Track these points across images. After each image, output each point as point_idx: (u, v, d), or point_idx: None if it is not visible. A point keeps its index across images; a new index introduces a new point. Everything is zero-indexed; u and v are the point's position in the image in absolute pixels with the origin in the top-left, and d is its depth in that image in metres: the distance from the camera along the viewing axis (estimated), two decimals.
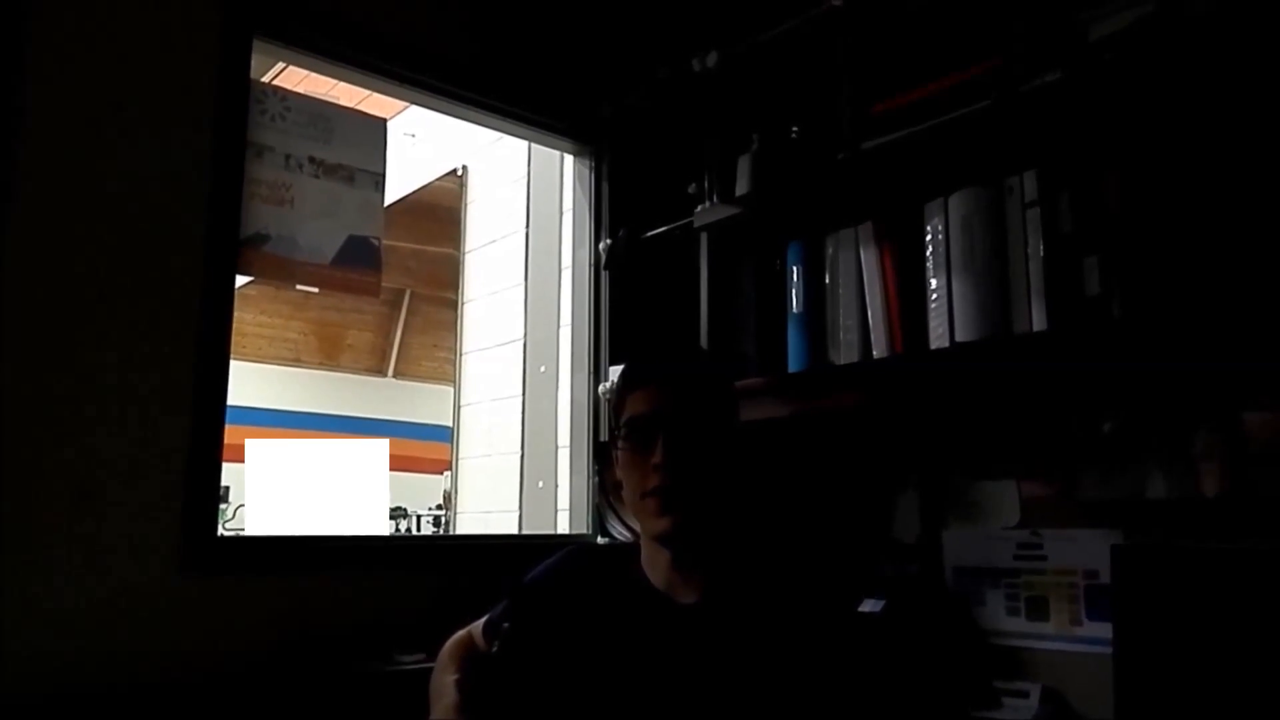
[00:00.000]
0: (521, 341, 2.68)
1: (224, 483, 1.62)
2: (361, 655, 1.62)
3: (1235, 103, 1.27)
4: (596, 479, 2.15)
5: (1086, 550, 1.47)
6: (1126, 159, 1.33)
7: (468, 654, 1.32)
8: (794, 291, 1.71)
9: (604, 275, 2.19)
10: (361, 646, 1.64)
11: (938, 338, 1.49)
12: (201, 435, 1.55)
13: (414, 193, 3.75)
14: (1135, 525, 1.42)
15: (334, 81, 2.09)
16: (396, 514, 7.10)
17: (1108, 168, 1.34)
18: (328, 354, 9.15)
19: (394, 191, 3.06)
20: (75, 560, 1.43)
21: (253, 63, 1.70)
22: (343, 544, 1.93)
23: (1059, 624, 1.50)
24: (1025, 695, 1.47)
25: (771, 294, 1.76)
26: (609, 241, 2.17)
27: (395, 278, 7.55)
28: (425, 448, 8.16)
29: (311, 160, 1.82)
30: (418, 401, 8.95)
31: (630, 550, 1.25)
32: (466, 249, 3.16)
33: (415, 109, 3.01)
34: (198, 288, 1.58)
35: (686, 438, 1.13)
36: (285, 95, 1.80)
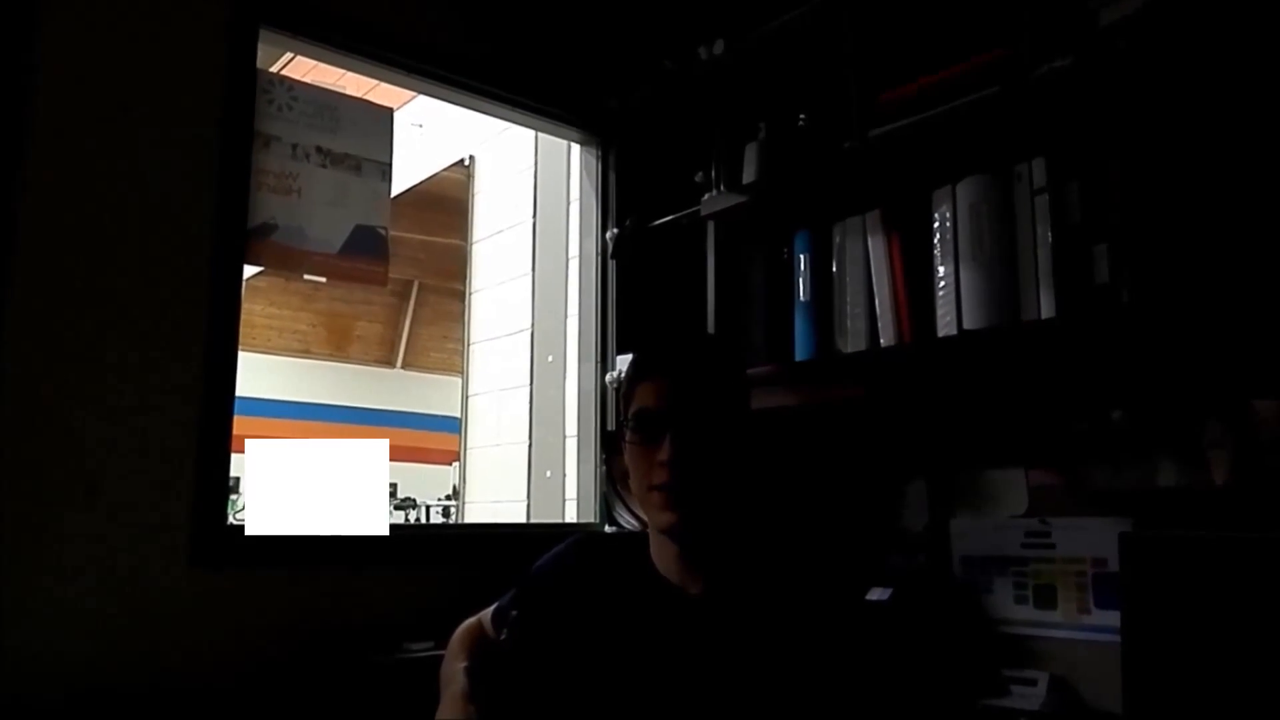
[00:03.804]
0: (529, 331, 2.68)
1: (234, 473, 1.63)
2: (371, 644, 1.63)
3: (1247, 89, 1.26)
4: (604, 468, 2.16)
5: (1095, 538, 1.47)
6: (1136, 146, 1.33)
7: (477, 642, 1.32)
8: (801, 280, 1.71)
9: (611, 264, 2.19)
10: (371, 635, 1.65)
11: (945, 326, 1.49)
12: (210, 426, 1.56)
13: (421, 183, 3.74)
14: (1144, 514, 1.41)
15: (342, 71, 2.09)
16: (406, 504, 7.13)
17: (1117, 155, 1.33)
18: (337, 345, 9.19)
19: (401, 182, 3.05)
20: (83, 554, 1.44)
21: (260, 53, 1.70)
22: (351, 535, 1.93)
23: (1067, 612, 1.50)
24: (1033, 683, 1.47)
25: (779, 282, 1.76)
26: (616, 231, 2.17)
27: (403, 268, 7.57)
28: (434, 438, 8.20)
29: (319, 150, 1.82)
30: (426, 392, 8.99)
31: (638, 539, 1.25)
32: (474, 239, 3.15)
33: (422, 99, 3.01)
34: (206, 278, 1.58)
35: (695, 434, 1.12)
36: (292, 85, 1.80)
